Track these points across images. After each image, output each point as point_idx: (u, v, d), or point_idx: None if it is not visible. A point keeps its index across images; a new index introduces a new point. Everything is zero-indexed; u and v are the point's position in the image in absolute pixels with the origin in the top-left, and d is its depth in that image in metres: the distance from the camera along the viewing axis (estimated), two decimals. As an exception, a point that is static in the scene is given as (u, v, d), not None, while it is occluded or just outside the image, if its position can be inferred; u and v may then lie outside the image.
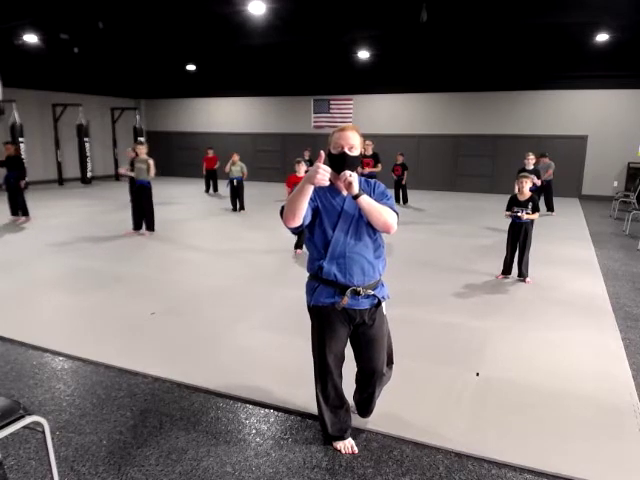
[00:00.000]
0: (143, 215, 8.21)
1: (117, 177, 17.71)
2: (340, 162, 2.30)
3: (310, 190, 2.14)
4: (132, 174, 8.16)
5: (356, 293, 2.35)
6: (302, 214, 2.19)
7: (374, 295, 2.42)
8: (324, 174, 2.05)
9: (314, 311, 2.47)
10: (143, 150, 8.10)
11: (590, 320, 4.52)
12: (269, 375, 3.42)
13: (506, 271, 5.80)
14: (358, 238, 2.35)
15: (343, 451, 2.59)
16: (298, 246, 7.02)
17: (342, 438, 2.62)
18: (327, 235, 2.34)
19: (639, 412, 2.98)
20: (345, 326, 2.45)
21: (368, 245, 2.38)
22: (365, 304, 2.41)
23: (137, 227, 8.26)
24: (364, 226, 2.35)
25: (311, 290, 2.45)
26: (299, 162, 7.20)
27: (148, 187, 8.09)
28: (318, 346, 2.48)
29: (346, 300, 2.34)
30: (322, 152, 2.19)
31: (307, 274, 2.51)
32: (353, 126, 2.42)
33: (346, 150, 2.29)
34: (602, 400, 3.11)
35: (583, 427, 2.83)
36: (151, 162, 8.03)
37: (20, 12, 8.49)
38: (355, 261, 2.34)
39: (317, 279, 2.41)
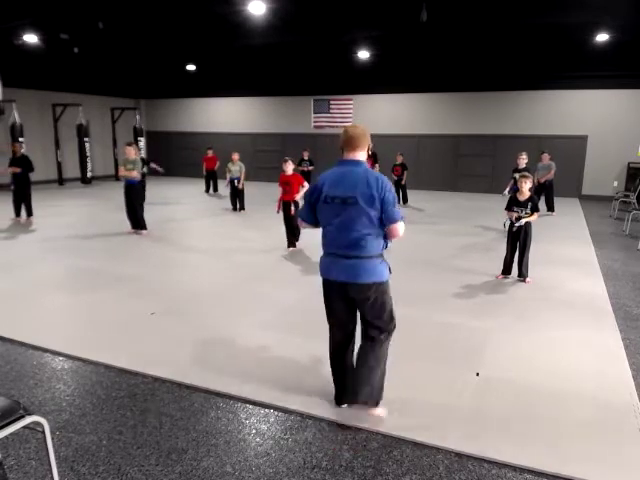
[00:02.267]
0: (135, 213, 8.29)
1: (117, 177, 17.71)
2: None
3: None
4: (132, 174, 8.19)
5: None
6: None
7: None
8: None
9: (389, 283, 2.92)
10: (132, 152, 8.18)
11: (590, 320, 4.52)
12: (269, 375, 3.42)
13: (506, 271, 5.80)
14: None
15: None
16: (293, 244, 7.11)
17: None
18: None
19: (639, 412, 2.98)
20: None
21: None
22: None
23: (134, 226, 8.30)
24: None
25: (386, 268, 2.85)
26: (286, 161, 7.27)
27: (137, 186, 8.15)
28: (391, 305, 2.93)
29: None
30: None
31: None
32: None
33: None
34: (602, 400, 3.11)
35: (583, 427, 2.83)
36: (138, 163, 8.14)
37: (20, 12, 8.49)
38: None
39: (383, 257, 2.87)
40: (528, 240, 5.64)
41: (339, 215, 2.72)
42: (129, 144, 8.35)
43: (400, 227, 2.81)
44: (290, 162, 7.27)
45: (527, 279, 5.65)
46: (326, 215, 2.79)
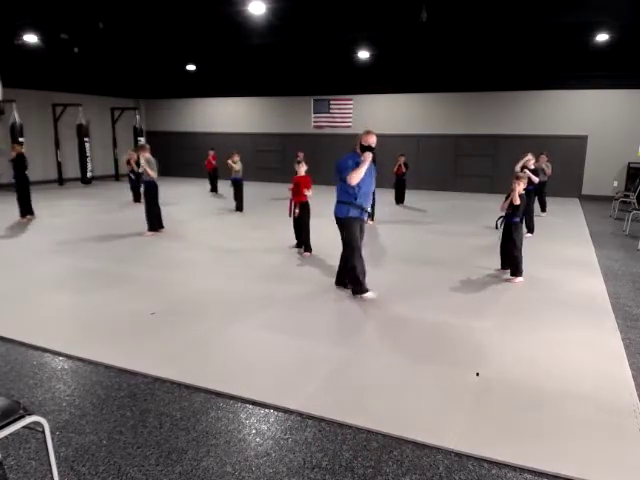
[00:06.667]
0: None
1: (117, 177, 17.73)
2: (369, 149, 4.81)
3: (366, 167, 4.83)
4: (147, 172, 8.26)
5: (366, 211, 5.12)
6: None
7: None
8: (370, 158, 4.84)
9: (351, 220, 4.98)
10: (135, 155, 8.30)
11: (590, 320, 4.52)
12: (269, 375, 3.42)
13: (503, 266, 5.94)
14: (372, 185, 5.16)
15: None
16: (301, 245, 7.03)
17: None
18: (364, 184, 4.93)
19: (639, 412, 2.98)
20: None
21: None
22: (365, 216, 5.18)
23: (152, 227, 8.29)
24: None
25: (346, 210, 4.92)
26: (299, 162, 7.19)
27: (150, 186, 8.19)
28: (354, 237, 4.98)
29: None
30: (367, 153, 4.79)
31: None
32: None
33: (372, 145, 4.84)
34: (602, 400, 3.11)
35: (583, 427, 2.83)
36: (144, 164, 8.20)
37: (20, 12, 8.49)
38: (370, 197, 5.13)
39: (350, 205, 4.90)
40: (511, 238, 5.65)
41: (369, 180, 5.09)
42: (140, 147, 8.54)
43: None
44: (303, 164, 7.04)
45: (516, 279, 5.63)
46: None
